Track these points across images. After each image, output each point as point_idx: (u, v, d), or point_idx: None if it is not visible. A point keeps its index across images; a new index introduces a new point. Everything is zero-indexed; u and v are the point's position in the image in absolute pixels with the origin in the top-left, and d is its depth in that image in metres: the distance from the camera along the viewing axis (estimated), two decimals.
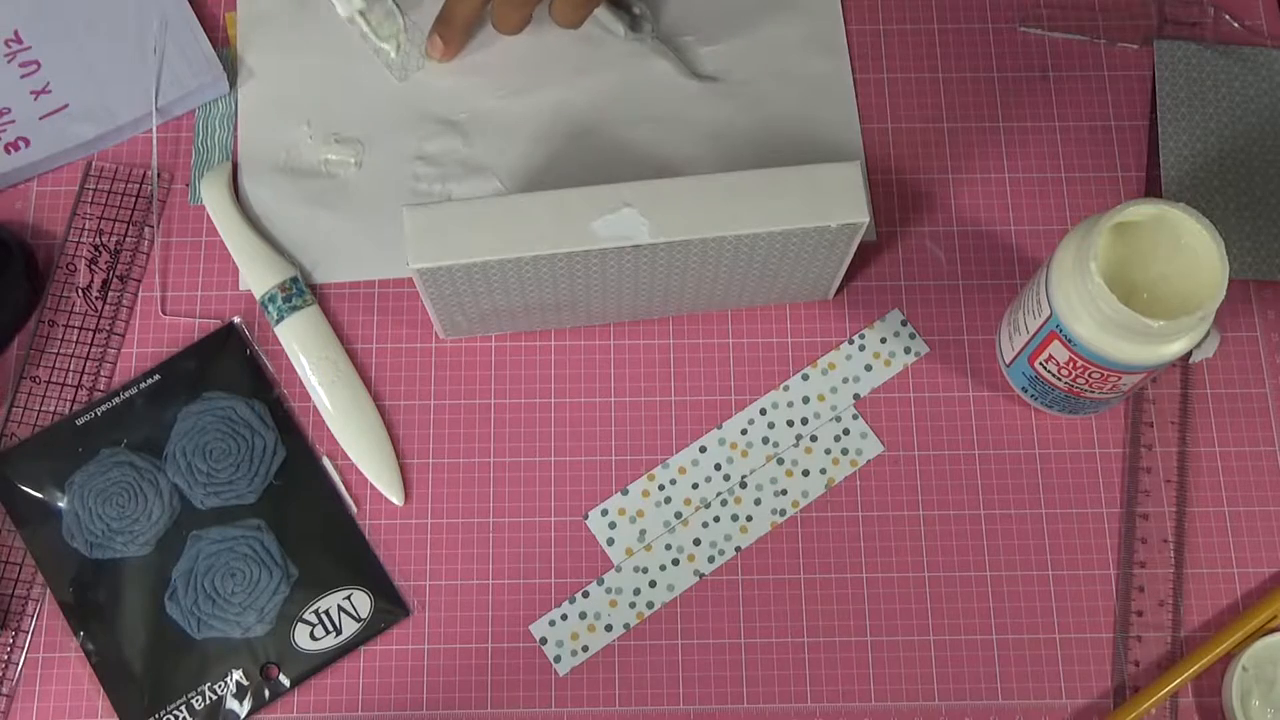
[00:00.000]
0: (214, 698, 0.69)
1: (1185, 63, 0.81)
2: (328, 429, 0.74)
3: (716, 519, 0.73)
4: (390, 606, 0.71)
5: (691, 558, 0.72)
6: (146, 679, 0.69)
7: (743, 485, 0.74)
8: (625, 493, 0.73)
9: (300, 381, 0.75)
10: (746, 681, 0.71)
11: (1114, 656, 0.71)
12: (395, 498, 0.73)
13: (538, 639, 0.71)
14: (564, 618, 0.71)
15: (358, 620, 0.71)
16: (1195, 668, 0.70)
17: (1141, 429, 0.74)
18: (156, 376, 0.74)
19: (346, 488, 0.73)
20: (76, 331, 0.75)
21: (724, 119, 0.80)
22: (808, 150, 0.79)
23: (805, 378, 0.75)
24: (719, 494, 0.73)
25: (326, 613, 0.71)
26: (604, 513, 0.73)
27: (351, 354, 0.75)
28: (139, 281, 0.77)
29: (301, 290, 0.75)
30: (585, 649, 0.71)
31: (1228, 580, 0.73)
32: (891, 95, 0.81)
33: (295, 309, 0.75)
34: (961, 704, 0.70)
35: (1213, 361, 0.76)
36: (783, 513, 0.73)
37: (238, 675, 0.70)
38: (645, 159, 0.79)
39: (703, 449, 0.74)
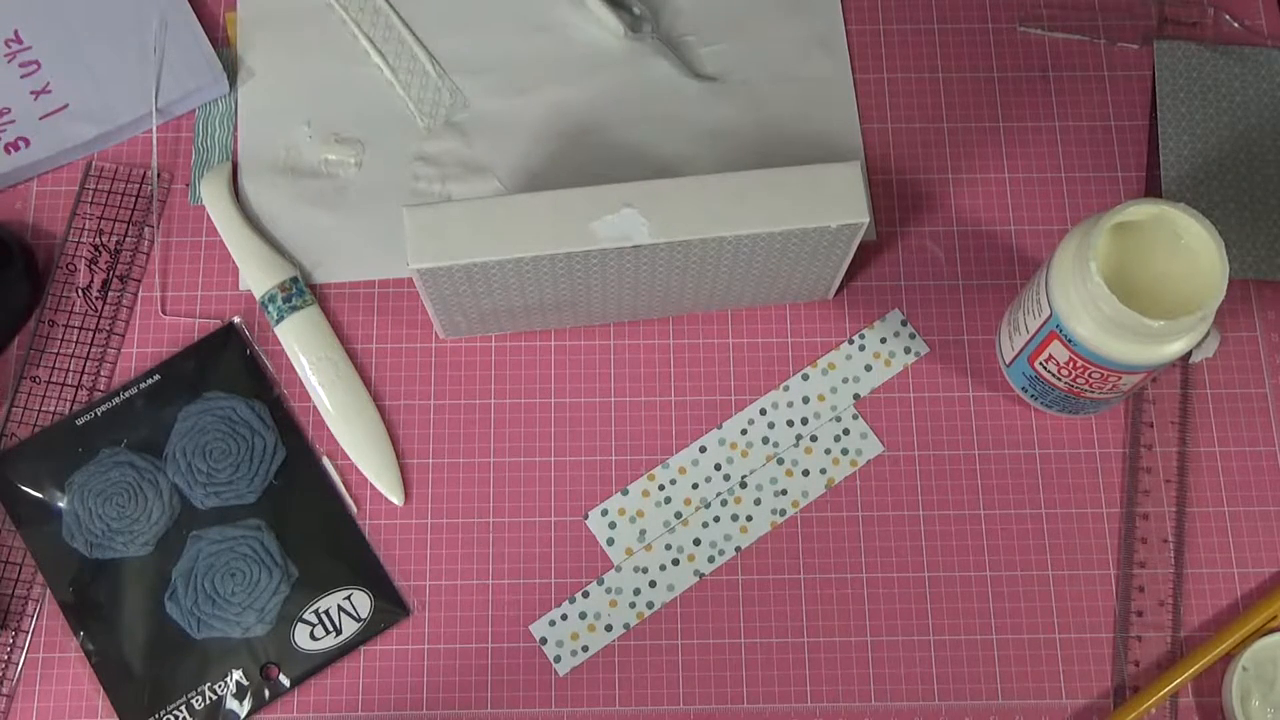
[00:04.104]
0: (214, 698, 0.69)
1: (1185, 63, 0.81)
2: (328, 429, 0.74)
3: (716, 519, 0.73)
4: (390, 606, 0.71)
5: (691, 558, 0.72)
6: (146, 679, 0.69)
7: (743, 485, 0.74)
8: (625, 493, 0.73)
9: (300, 381, 0.75)
10: (746, 681, 0.71)
11: (1114, 656, 0.71)
12: (395, 498, 0.73)
13: (538, 639, 0.71)
14: (564, 618, 0.71)
15: (358, 620, 0.71)
16: (1195, 668, 0.70)
17: (1141, 429, 0.74)
18: (156, 376, 0.74)
19: (346, 488, 0.73)
20: (76, 331, 0.75)
21: (724, 119, 0.80)
22: (808, 150, 0.79)
23: (805, 378, 0.75)
24: (719, 494, 0.73)
25: (326, 613, 0.71)
26: (604, 513, 0.73)
27: (351, 354, 0.75)
28: (139, 281, 0.77)
29: (301, 290, 0.75)
30: (585, 649, 0.71)
31: (1228, 580, 0.73)
32: (891, 95, 0.81)
33: (295, 309, 0.75)
34: (961, 704, 0.70)
35: (1213, 361, 0.76)
36: (783, 513, 0.73)
37: (238, 675, 0.70)
38: (645, 159, 0.79)
39: (703, 449, 0.74)
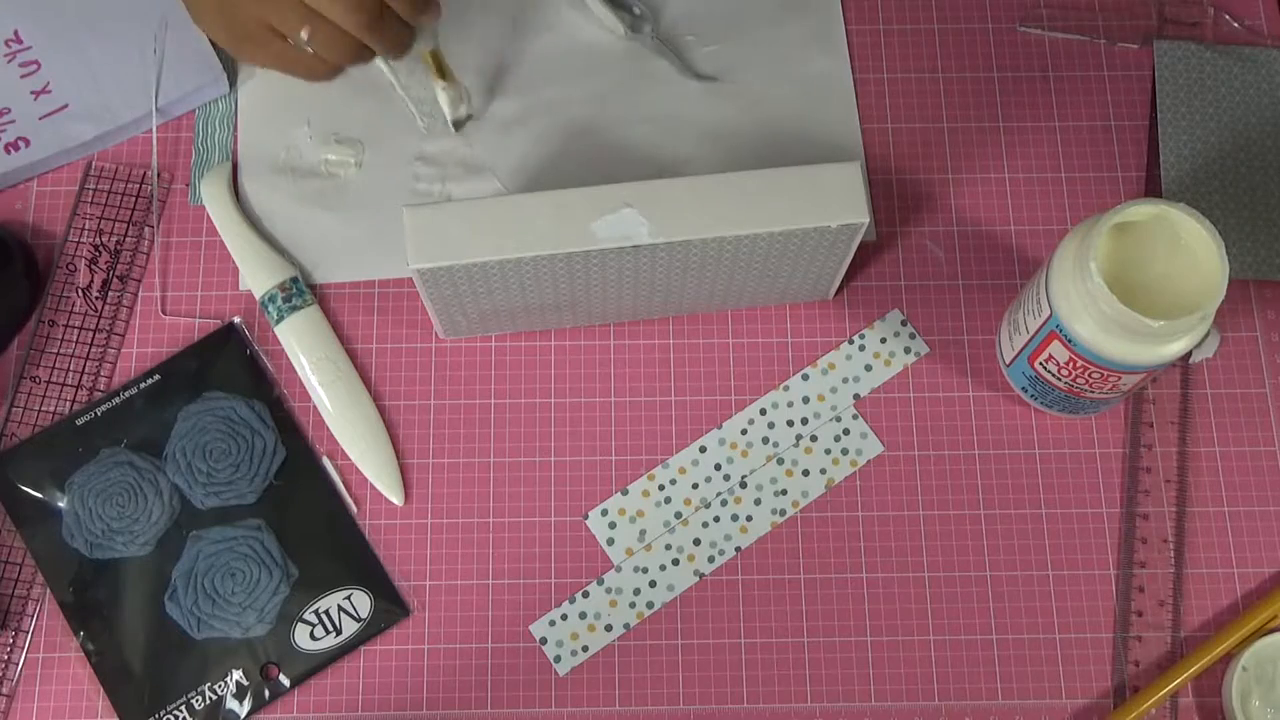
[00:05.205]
0: (214, 698, 0.69)
1: (1185, 63, 0.81)
2: (328, 429, 0.74)
3: (716, 519, 0.73)
4: (390, 606, 0.71)
5: (691, 558, 0.72)
6: (146, 679, 0.69)
7: (743, 485, 0.74)
8: (625, 493, 0.73)
9: (300, 381, 0.75)
10: (746, 681, 0.71)
11: (1114, 656, 0.71)
12: (395, 498, 0.73)
13: (538, 639, 0.71)
14: (564, 618, 0.71)
15: (358, 620, 0.71)
16: (1195, 668, 0.70)
17: (1141, 429, 0.74)
18: (156, 376, 0.74)
19: (346, 488, 0.73)
20: (76, 331, 0.75)
21: (724, 119, 0.80)
22: (808, 150, 0.79)
23: (805, 378, 0.76)
24: (719, 494, 0.73)
25: (326, 613, 0.71)
26: (604, 513, 0.73)
27: (351, 354, 0.75)
28: (139, 281, 0.77)
29: (301, 290, 0.75)
30: (585, 649, 0.71)
31: (1228, 580, 0.73)
32: (891, 95, 0.81)
33: (295, 309, 0.75)
34: (961, 704, 0.70)
35: (1213, 361, 0.76)
36: (783, 513, 0.73)
37: (238, 675, 0.70)
38: (645, 159, 0.79)
39: (703, 449, 0.74)
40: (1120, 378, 0.67)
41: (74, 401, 0.74)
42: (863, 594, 0.72)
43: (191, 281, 0.77)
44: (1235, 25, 0.82)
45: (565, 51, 0.81)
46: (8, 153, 0.77)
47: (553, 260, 0.65)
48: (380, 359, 0.75)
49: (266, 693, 0.70)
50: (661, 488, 0.73)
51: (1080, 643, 0.71)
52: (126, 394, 0.74)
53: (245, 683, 0.70)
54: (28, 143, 0.77)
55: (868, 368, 0.76)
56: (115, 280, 0.76)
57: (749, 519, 0.73)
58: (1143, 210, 0.65)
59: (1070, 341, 0.66)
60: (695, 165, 0.79)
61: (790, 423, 0.75)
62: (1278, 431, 0.75)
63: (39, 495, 0.72)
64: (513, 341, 0.76)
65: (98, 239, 0.77)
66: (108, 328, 0.75)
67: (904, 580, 0.72)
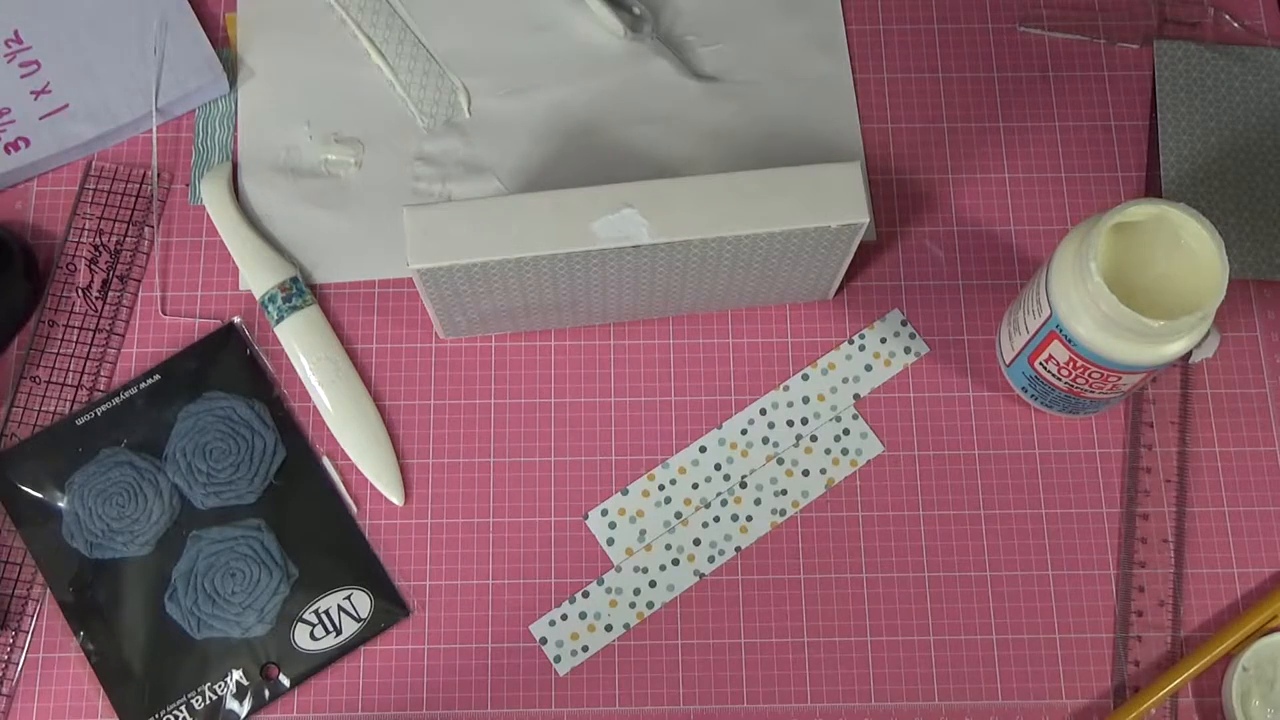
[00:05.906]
0: (214, 698, 0.69)
1: (1185, 63, 0.81)
2: (328, 429, 0.74)
3: (716, 519, 0.73)
4: (390, 606, 0.71)
5: (691, 558, 0.72)
6: (146, 679, 0.69)
7: (743, 485, 0.74)
8: (625, 493, 0.73)
9: (300, 381, 0.75)
10: (746, 681, 0.71)
11: (1114, 656, 0.71)
12: (395, 498, 0.73)
13: (538, 639, 0.71)
14: (564, 618, 0.71)
15: (358, 620, 0.71)
16: (1195, 668, 0.70)
17: (1141, 429, 0.74)
18: (156, 376, 0.74)
19: (346, 488, 0.73)
20: (76, 331, 0.75)
21: (724, 119, 0.80)
22: (808, 150, 0.79)
23: (805, 378, 0.76)
24: (719, 494, 0.73)
25: (326, 613, 0.71)
26: (604, 513, 0.73)
27: (351, 354, 0.75)
28: (139, 281, 0.77)
29: (301, 290, 0.75)
30: (585, 649, 0.71)
31: (1228, 580, 0.73)
32: (891, 95, 0.81)
33: (295, 309, 0.75)
34: (961, 704, 0.70)
35: (1213, 361, 0.76)
36: (783, 513, 0.73)
37: (238, 675, 0.70)
38: (645, 159, 0.79)
39: (703, 449, 0.74)
40: (1120, 378, 0.67)
41: (74, 401, 0.74)
42: (863, 594, 0.72)
43: (191, 281, 0.77)
44: (1235, 25, 0.82)
45: (565, 51, 0.81)
46: (8, 153, 0.77)
47: (553, 260, 0.65)
48: (380, 359, 0.75)
49: (266, 693, 0.70)
50: (661, 488, 0.73)
51: (1080, 643, 0.71)
52: (126, 394, 0.74)
53: (245, 683, 0.70)
54: (28, 143, 0.77)
55: (868, 368, 0.76)
56: (115, 280, 0.76)
57: (749, 519, 0.73)
58: (1143, 210, 0.65)
59: (1070, 341, 0.66)
60: (695, 165, 0.79)
61: (790, 423, 0.75)
62: (1278, 431, 0.75)
63: (39, 495, 0.72)
64: (513, 341, 0.76)
65: (98, 239, 0.77)
66: (108, 328, 0.75)
67: (904, 580, 0.72)
